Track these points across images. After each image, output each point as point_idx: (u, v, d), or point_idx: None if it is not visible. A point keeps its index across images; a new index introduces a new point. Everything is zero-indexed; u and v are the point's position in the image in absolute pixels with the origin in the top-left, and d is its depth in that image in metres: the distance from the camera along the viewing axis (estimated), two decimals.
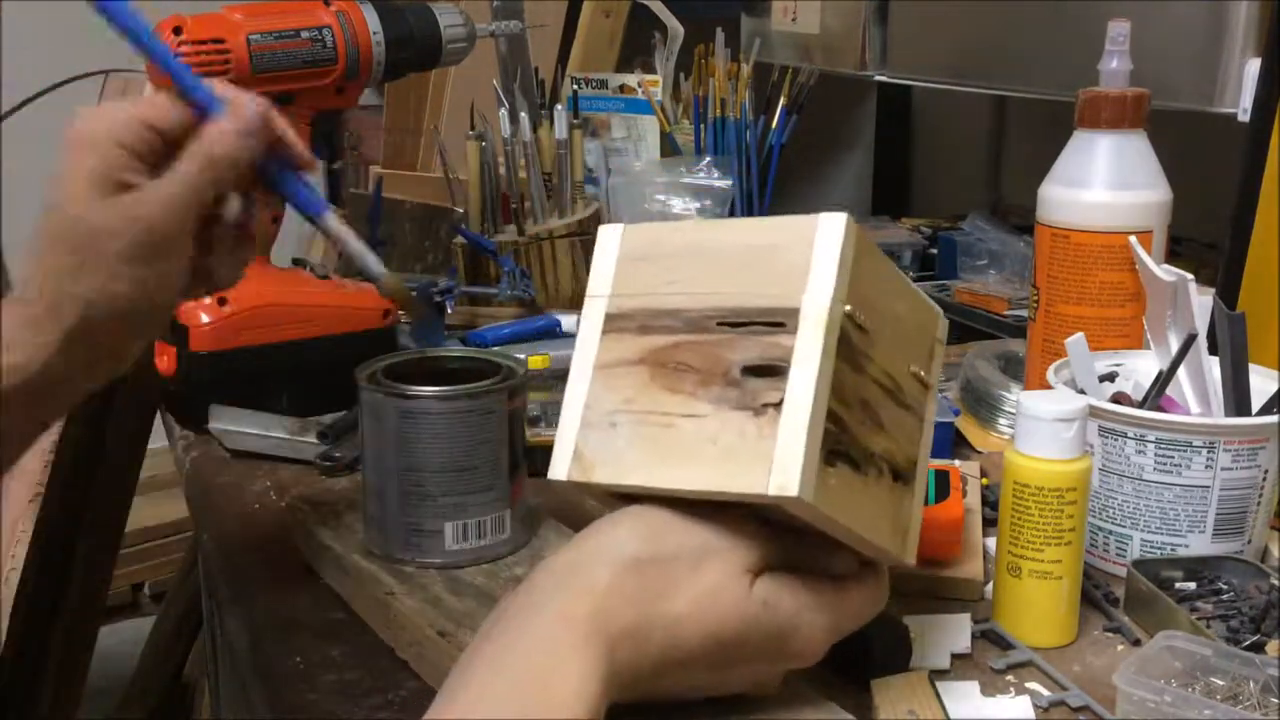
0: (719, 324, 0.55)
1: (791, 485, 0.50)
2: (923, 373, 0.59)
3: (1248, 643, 0.63)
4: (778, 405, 0.51)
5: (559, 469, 0.56)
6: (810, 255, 0.54)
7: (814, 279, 0.53)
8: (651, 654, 0.51)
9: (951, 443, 0.91)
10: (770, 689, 0.56)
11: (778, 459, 0.50)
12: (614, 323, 0.58)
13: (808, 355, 0.52)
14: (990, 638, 0.66)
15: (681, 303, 0.56)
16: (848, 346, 0.53)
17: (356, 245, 0.67)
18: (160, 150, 0.59)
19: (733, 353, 0.54)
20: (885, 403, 0.56)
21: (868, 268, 0.56)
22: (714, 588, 0.52)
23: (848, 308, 0.53)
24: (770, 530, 0.54)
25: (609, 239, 0.60)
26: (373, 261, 0.67)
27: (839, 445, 0.53)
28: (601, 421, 0.56)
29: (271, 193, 0.65)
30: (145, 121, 0.59)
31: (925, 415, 0.60)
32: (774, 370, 0.52)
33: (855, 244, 0.54)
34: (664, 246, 0.58)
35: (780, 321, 0.53)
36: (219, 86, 0.62)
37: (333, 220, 0.66)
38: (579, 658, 0.49)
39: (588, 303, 0.59)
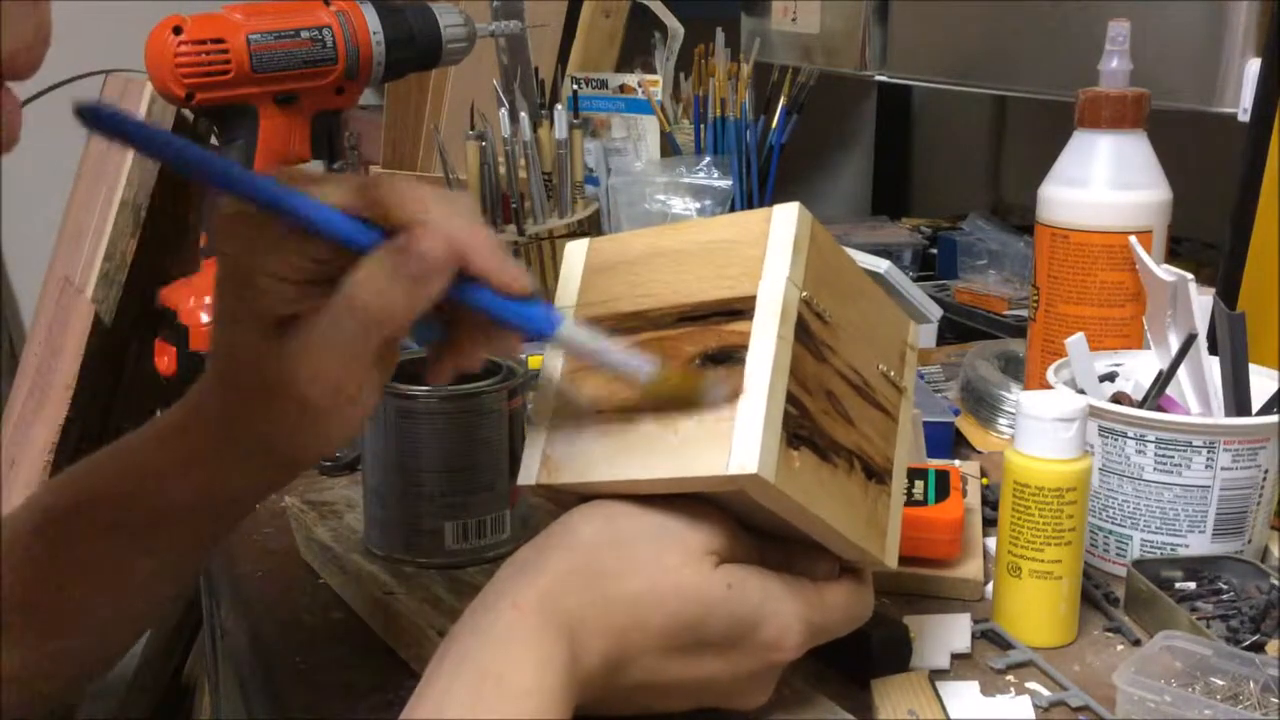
0: (680, 320, 0.55)
1: (751, 463, 0.49)
2: (893, 374, 0.60)
3: (1248, 643, 0.63)
4: (737, 390, 0.51)
5: (527, 474, 0.57)
6: (765, 245, 0.54)
7: (768, 265, 0.54)
8: (614, 637, 0.50)
9: (951, 443, 0.91)
10: (757, 696, 0.54)
11: (736, 439, 0.50)
12: None
13: (763, 336, 0.52)
14: (990, 638, 0.66)
15: (645, 304, 0.57)
16: (807, 333, 0.54)
17: (612, 354, 0.53)
18: (329, 271, 0.50)
19: (693, 345, 0.54)
20: (853, 398, 0.56)
21: (830, 263, 0.56)
22: (675, 565, 0.51)
23: (804, 293, 0.54)
24: (742, 527, 0.54)
25: (574, 254, 0.61)
26: (639, 364, 0.53)
27: (801, 430, 0.52)
28: (568, 425, 0.56)
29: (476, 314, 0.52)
30: (305, 254, 0.50)
31: (900, 418, 0.60)
32: (732, 356, 0.52)
33: (814, 236, 0.55)
34: (628, 254, 0.59)
35: (738, 310, 0.53)
36: (404, 206, 0.49)
37: (572, 331, 0.53)
38: (533, 646, 0.48)
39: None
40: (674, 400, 0.53)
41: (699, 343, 0.54)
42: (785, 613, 0.53)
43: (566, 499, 0.56)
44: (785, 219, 0.55)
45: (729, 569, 0.52)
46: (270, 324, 0.50)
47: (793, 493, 0.51)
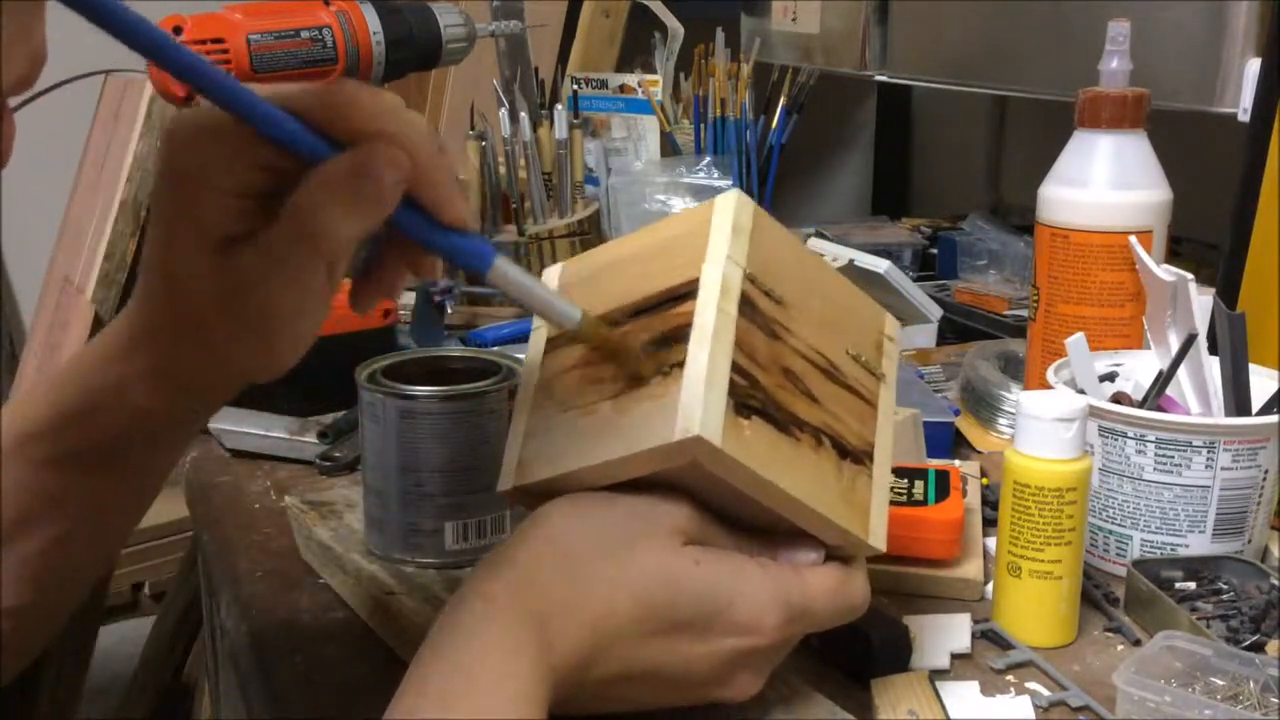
0: (634, 314, 0.56)
1: (693, 426, 0.50)
2: (865, 359, 0.60)
3: (1248, 643, 0.63)
4: (682, 364, 0.52)
5: (505, 480, 0.58)
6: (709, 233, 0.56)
7: (710, 247, 0.55)
8: (586, 624, 0.50)
9: (951, 443, 0.91)
10: (744, 685, 0.54)
11: (681, 407, 0.51)
12: (553, 344, 0.60)
13: (705, 310, 0.53)
14: (990, 638, 0.66)
15: (602, 309, 0.58)
16: (753, 308, 0.55)
17: (541, 294, 0.54)
18: (278, 184, 0.48)
19: (646, 334, 0.55)
20: (817, 377, 0.57)
21: (780, 249, 0.58)
22: (641, 547, 0.51)
23: (748, 271, 0.55)
24: (716, 516, 0.54)
25: (549, 277, 0.63)
26: (564, 308, 0.54)
27: (752, 400, 0.53)
28: (540, 428, 0.57)
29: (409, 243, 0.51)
30: (259, 164, 0.48)
31: (880, 405, 0.60)
32: (679, 337, 0.53)
33: (759, 222, 0.56)
34: (593, 268, 0.61)
35: (685, 294, 0.54)
36: (359, 105, 0.47)
37: (505, 267, 0.52)
38: (502, 636, 0.48)
39: (532, 334, 0.61)
40: (616, 357, 0.54)
41: (650, 330, 0.55)
42: (759, 592, 0.52)
43: (541, 500, 0.56)
44: (725, 205, 0.56)
45: (697, 548, 0.53)
46: (216, 243, 0.48)
47: (744, 459, 0.51)
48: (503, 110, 1.29)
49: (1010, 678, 0.63)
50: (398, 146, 0.47)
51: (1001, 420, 0.95)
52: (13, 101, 0.39)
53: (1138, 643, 0.66)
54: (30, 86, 0.38)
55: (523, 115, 1.29)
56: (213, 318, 0.49)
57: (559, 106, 1.30)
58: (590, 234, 1.32)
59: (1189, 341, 0.75)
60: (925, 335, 1.16)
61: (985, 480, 0.82)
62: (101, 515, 0.57)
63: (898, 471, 0.72)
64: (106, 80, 1.58)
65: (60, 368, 0.56)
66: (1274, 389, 0.73)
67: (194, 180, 0.48)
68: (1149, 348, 0.82)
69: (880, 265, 1.09)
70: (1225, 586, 0.68)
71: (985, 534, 0.75)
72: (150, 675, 1.73)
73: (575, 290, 0.61)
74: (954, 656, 0.63)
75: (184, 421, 0.56)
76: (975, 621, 0.66)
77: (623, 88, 1.51)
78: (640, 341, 0.55)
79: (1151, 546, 0.71)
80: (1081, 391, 0.76)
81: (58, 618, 0.61)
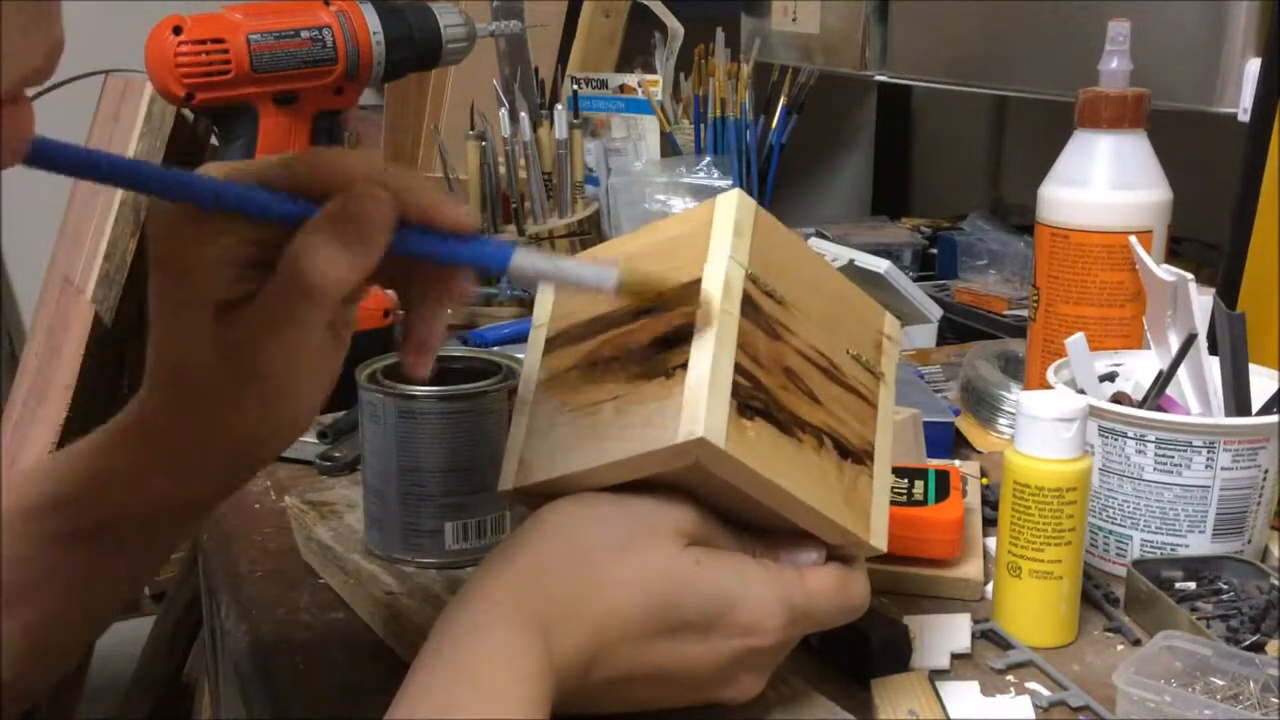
0: (636, 314, 0.56)
1: (698, 428, 0.50)
2: (865, 358, 0.60)
3: (1248, 643, 0.63)
4: (685, 365, 0.52)
5: (505, 481, 0.57)
6: (710, 233, 0.56)
7: (712, 247, 0.55)
8: (589, 625, 0.50)
9: (951, 443, 0.91)
10: (747, 686, 0.54)
11: (685, 409, 0.51)
12: (552, 344, 0.60)
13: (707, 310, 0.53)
14: (990, 638, 0.66)
15: (604, 308, 0.57)
16: (755, 309, 0.55)
17: (571, 268, 0.53)
18: (269, 252, 0.48)
19: (646, 334, 0.55)
20: (818, 377, 0.57)
21: (781, 249, 0.58)
22: (642, 547, 0.51)
23: (750, 271, 0.55)
24: (718, 518, 0.54)
25: None
26: (599, 274, 0.52)
27: (754, 401, 0.53)
28: (542, 428, 0.57)
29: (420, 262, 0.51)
30: (246, 237, 0.48)
31: (879, 404, 0.60)
32: (681, 338, 0.53)
33: (760, 222, 0.56)
34: None
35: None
36: (322, 165, 0.48)
37: (526, 258, 0.51)
38: (505, 638, 0.48)
39: (531, 333, 0.61)
40: (654, 300, 0.53)
41: (653, 331, 0.55)
42: (762, 593, 0.52)
43: (542, 501, 0.56)
44: (726, 205, 0.56)
45: (698, 549, 0.53)
46: (213, 311, 0.48)
47: (747, 460, 0.51)
48: (503, 110, 1.29)
49: (1010, 678, 0.63)
50: (374, 185, 0.47)
51: (1001, 420, 0.95)
52: (29, 93, 0.39)
53: (1138, 643, 0.66)
54: (48, 78, 0.38)
55: (523, 115, 1.29)
56: (215, 385, 0.49)
57: (559, 106, 1.30)
58: (590, 234, 1.32)
59: (1189, 341, 0.75)
60: (925, 335, 1.16)
61: (985, 480, 0.82)
62: (104, 588, 0.57)
63: (898, 471, 0.72)
64: (106, 80, 1.58)
65: (70, 448, 0.55)
66: (1274, 389, 0.73)
67: (184, 257, 0.48)
68: (1149, 348, 0.82)
69: (880, 265, 1.09)
70: (1225, 586, 0.68)
71: (985, 534, 0.75)
72: (150, 675, 1.73)
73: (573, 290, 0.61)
74: (954, 656, 0.63)
75: (193, 504, 0.56)
76: (975, 621, 0.66)
77: (623, 88, 1.51)
78: (642, 341, 0.55)
79: (1151, 546, 0.71)
80: (1081, 391, 0.76)
81: (54, 676, 0.60)
